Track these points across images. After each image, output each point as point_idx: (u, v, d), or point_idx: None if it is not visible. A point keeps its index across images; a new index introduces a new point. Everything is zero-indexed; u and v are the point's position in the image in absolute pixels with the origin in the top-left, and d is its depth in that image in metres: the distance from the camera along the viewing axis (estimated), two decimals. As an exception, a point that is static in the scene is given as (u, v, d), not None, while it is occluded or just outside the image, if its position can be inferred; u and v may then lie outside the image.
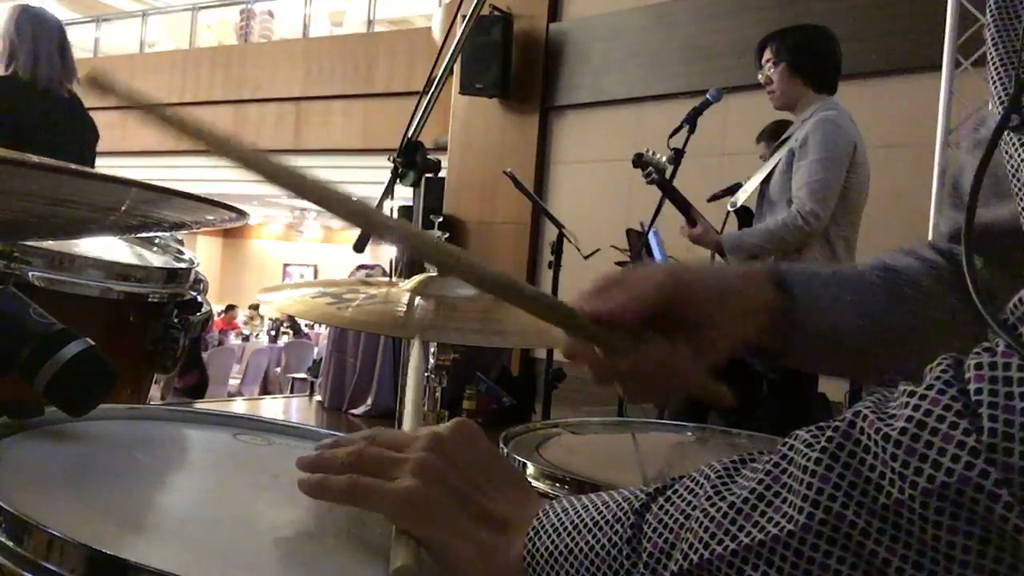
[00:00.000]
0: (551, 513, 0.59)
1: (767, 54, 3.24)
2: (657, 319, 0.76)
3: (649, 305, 0.76)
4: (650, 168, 3.35)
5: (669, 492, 0.55)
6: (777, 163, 3.21)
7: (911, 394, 0.47)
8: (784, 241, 3.06)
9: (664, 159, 3.40)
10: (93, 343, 0.76)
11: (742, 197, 3.41)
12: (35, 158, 0.60)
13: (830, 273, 0.84)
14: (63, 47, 3.30)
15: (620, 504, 0.57)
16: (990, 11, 0.60)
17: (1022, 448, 0.42)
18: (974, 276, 0.52)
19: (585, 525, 0.57)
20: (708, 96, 3.57)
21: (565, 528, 0.57)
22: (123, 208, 0.73)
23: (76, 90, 3.33)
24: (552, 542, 0.57)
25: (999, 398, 0.44)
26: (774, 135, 3.65)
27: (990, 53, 0.59)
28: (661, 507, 0.55)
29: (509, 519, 0.61)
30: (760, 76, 3.26)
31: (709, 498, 0.52)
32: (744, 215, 3.57)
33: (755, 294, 0.80)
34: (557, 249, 4.63)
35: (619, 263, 4.27)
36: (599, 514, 0.57)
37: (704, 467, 0.55)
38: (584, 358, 0.78)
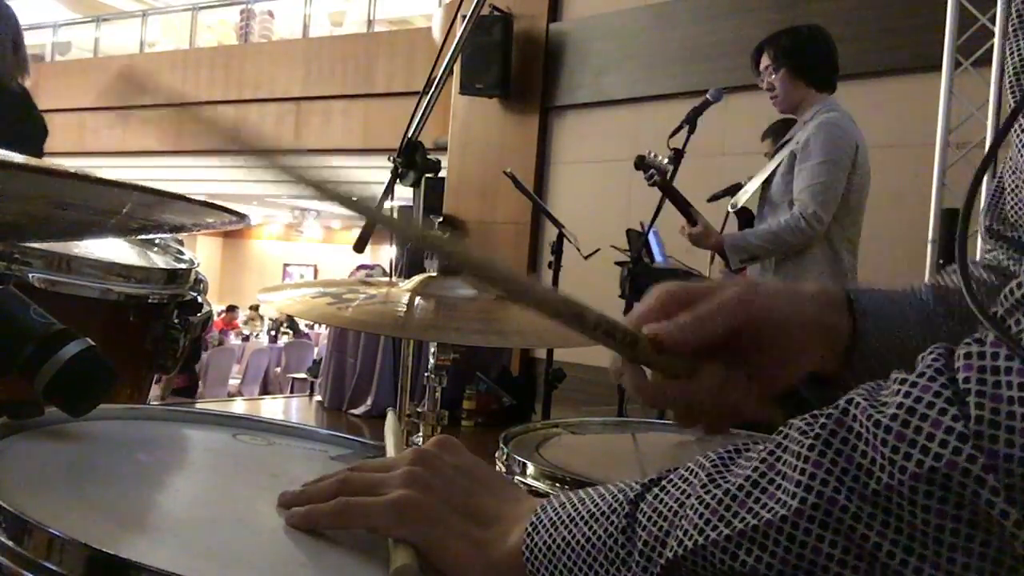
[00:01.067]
0: (548, 508, 0.60)
1: (764, 60, 3.24)
2: (722, 346, 0.72)
3: (716, 331, 0.71)
4: (652, 170, 3.35)
5: (664, 482, 0.56)
6: (778, 164, 3.21)
7: (902, 381, 0.48)
8: (786, 243, 3.06)
9: (666, 161, 3.40)
10: (93, 343, 0.76)
11: (743, 198, 3.41)
12: (37, 162, 0.60)
13: (892, 292, 0.79)
14: (17, 41, 3.29)
15: (615, 496, 0.57)
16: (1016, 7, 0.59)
17: (1008, 436, 0.43)
18: (965, 269, 0.53)
19: (581, 517, 0.57)
20: (708, 96, 3.57)
21: (562, 521, 0.58)
22: (124, 211, 0.74)
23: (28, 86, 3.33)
24: (550, 536, 0.58)
25: (987, 387, 0.45)
26: (779, 133, 3.65)
27: (1013, 46, 0.59)
28: (656, 496, 0.55)
29: (501, 514, 0.62)
30: (762, 84, 3.26)
31: (704, 485, 0.53)
32: (744, 216, 3.57)
33: (829, 319, 0.75)
34: (557, 249, 4.63)
35: (619, 263, 4.27)
36: (595, 506, 0.57)
37: (699, 457, 0.56)
38: (634, 383, 0.74)
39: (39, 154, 3.31)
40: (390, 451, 0.81)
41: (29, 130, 3.32)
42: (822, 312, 0.75)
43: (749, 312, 0.72)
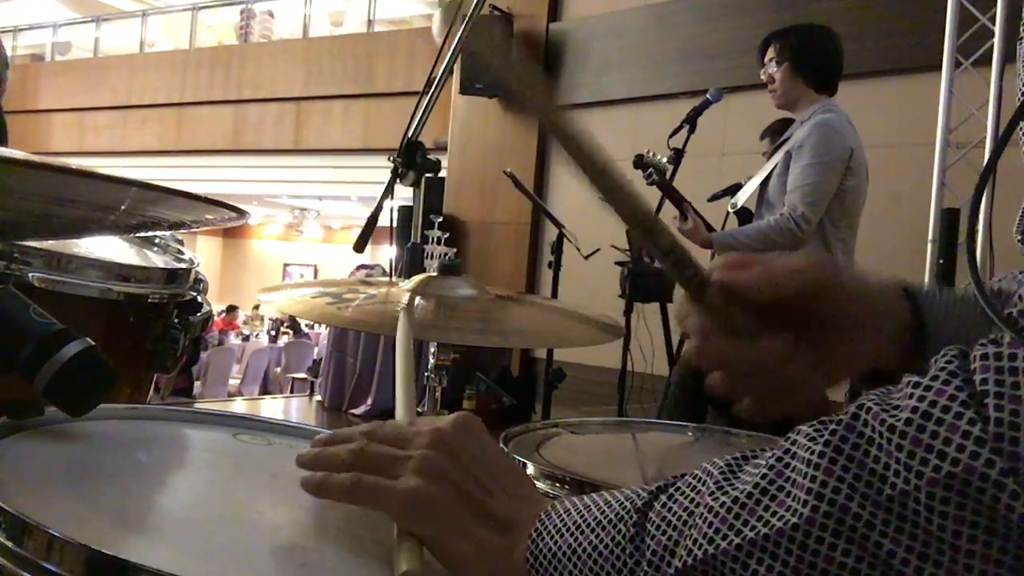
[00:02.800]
0: (553, 514, 0.59)
1: (770, 52, 3.24)
2: (791, 312, 0.69)
3: (788, 290, 0.68)
4: (650, 169, 3.35)
5: (672, 490, 0.55)
6: (776, 165, 3.22)
7: (916, 385, 0.47)
8: (774, 243, 3.06)
9: (664, 160, 3.40)
10: (93, 343, 0.76)
11: (742, 198, 3.41)
12: (36, 158, 0.60)
13: (949, 292, 0.75)
14: None
15: (622, 503, 0.57)
16: None
17: None
18: (976, 272, 0.53)
19: (588, 525, 0.57)
20: (708, 96, 3.57)
21: (568, 529, 0.57)
22: (123, 208, 0.73)
23: None
24: (555, 543, 0.57)
25: (1005, 388, 0.44)
26: (778, 132, 3.65)
27: None
28: (664, 505, 0.54)
29: (513, 519, 0.61)
30: (762, 74, 3.26)
31: (712, 494, 0.52)
32: (744, 216, 3.57)
33: (895, 309, 0.72)
34: (557, 249, 4.63)
35: (619, 263, 4.27)
36: (601, 514, 0.57)
37: (706, 464, 0.55)
38: (699, 327, 0.70)
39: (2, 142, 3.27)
40: (400, 412, 0.77)
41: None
42: (887, 300, 0.73)
43: (820, 274, 0.70)
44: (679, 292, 0.70)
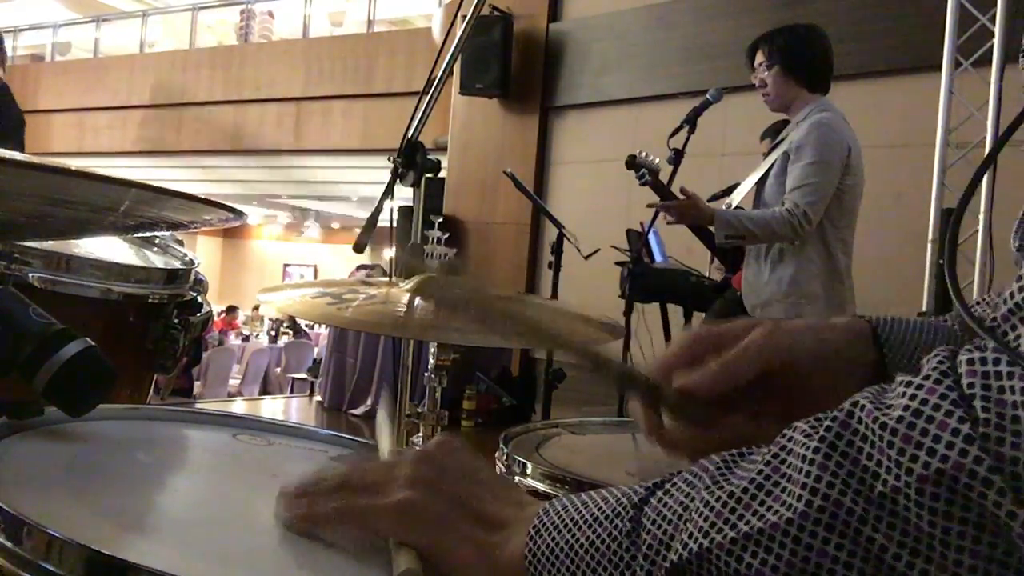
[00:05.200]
0: (551, 511, 0.59)
1: (759, 57, 3.24)
2: (750, 393, 0.71)
3: (745, 376, 0.70)
4: (643, 170, 3.34)
5: (667, 485, 0.56)
6: (772, 165, 3.22)
7: (908, 384, 0.48)
8: (775, 233, 3.06)
9: (656, 160, 3.40)
10: (92, 343, 0.76)
11: (737, 198, 3.42)
12: (33, 159, 0.60)
13: (918, 322, 0.77)
14: None
15: (619, 499, 0.57)
16: None
17: (1013, 438, 0.43)
18: (955, 279, 0.53)
19: (585, 521, 0.57)
20: (708, 96, 3.57)
21: (565, 525, 0.58)
22: (122, 208, 0.73)
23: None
24: (553, 539, 0.57)
25: (991, 392, 0.45)
26: (778, 132, 3.66)
27: None
28: (660, 500, 0.55)
29: (504, 518, 0.61)
30: (754, 79, 3.26)
31: (708, 488, 0.53)
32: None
33: (858, 354, 0.73)
34: (557, 249, 4.64)
35: (619, 263, 4.27)
36: (598, 510, 0.57)
37: (703, 460, 0.56)
38: (651, 428, 0.73)
39: (20, 147, 3.27)
40: (384, 446, 0.81)
41: (5, 124, 3.27)
42: (849, 346, 0.74)
43: (776, 354, 0.71)
44: (633, 399, 0.72)
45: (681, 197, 3.21)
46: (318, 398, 6.55)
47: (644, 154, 3.38)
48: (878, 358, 0.74)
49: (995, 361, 0.45)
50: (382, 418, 0.86)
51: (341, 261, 16.12)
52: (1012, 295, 0.48)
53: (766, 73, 3.19)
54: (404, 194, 2.05)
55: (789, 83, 3.18)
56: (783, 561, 0.48)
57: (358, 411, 5.95)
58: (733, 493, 0.51)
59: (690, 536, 0.52)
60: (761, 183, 3.27)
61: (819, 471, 0.48)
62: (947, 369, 0.47)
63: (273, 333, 13.68)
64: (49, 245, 1.22)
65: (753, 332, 0.72)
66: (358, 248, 2.07)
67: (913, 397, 0.47)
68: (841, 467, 0.48)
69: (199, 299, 1.46)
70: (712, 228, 3.20)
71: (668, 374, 0.72)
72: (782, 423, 0.69)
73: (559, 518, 0.58)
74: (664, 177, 3.43)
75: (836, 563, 0.47)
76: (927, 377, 0.47)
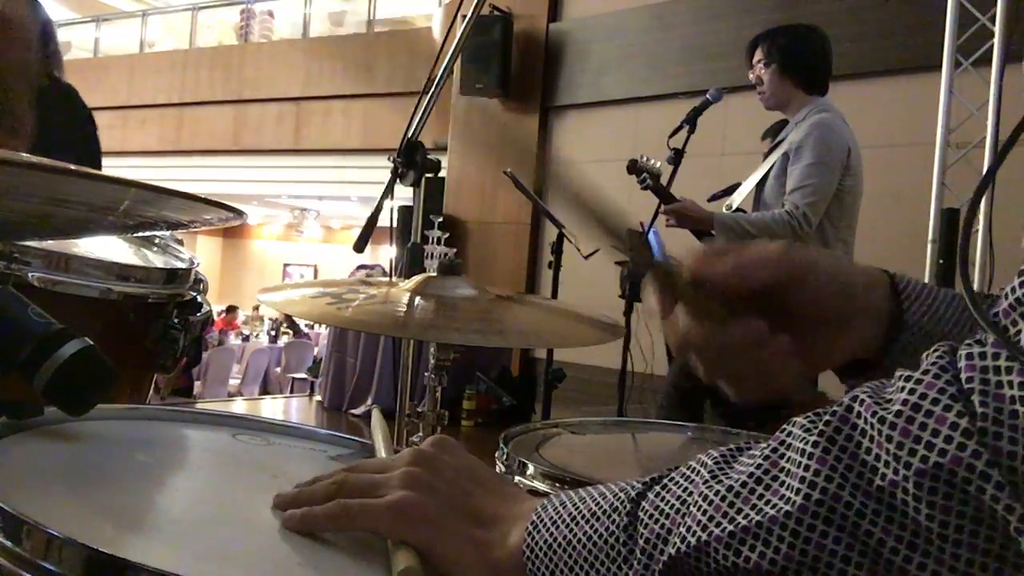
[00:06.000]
0: (549, 507, 0.59)
1: (758, 54, 3.24)
2: (762, 302, 0.69)
3: (756, 282, 0.68)
4: (644, 174, 3.35)
5: (665, 480, 0.56)
6: (771, 166, 3.22)
7: (907, 378, 0.48)
8: (775, 236, 3.06)
9: (658, 164, 3.41)
10: (92, 343, 0.76)
11: (737, 200, 3.42)
12: (32, 158, 0.60)
13: (942, 292, 0.75)
14: (47, 36, 3.09)
15: (617, 494, 0.57)
16: None
17: (1011, 433, 0.43)
18: (966, 273, 0.53)
19: (583, 516, 0.57)
20: (708, 96, 3.57)
21: (563, 520, 0.58)
22: (121, 208, 0.73)
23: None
24: (551, 534, 0.58)
25: (989, 387, 0.45)
26: (778, 132, 3.66)
27: None
28: (657, 494, 0.55)
29: (501, 515, 0.62)
30: (751, 76, 3.27)
31: (707, 483, 0.53)
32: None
33: (876, 297, 0.71)
34: (557, 249, 4.63)
35: (619, 263, 4.27)
36: (596, 505, 0.57)
37: (701, 456, 0.56)
38: (664, 313, 0.71)
39: (96, 153, 3.11)
40: (379, 449, 0.81)
41: (74, 132, 3.10)
42: (866, 288, 0.72)
43: (793, 266, 0.69)
44: (650, 285, 0.71)
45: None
46: (318, 398, 6.54)
47: (645, 158, 3.39)
48: (894, 308, 0.72)
49: (995, 356, 0.45)
50: (377, 418, 0.87)
51: (341, 261, 16.10)
52: (1014, 289, 0.48)
53: (763, 70, 3.20)
54: (404, 194, 2.05)
55: (785, 83, 3.18)
56: (781, 554, 0.48)
57: (358, 411, 5.94)
58: (731, 487, 0.51)
59: (688, 530, 0.52)
60: (761, 184, 3.27)
61: (818, 465, 0.48)
62: (946, 364, 0.47)
63: (273, 333, 13.67)
64: (49, 245, 1.22)
65: (772, 244, 0.71)
66: (358, 248, 2.08)
67: (912, 392, 0.47)
68: (840, 461, 0.48)
69: (199, 299, 1.46)
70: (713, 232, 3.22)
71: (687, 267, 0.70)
72: (793, 339, 0.68)
73: (557, 514, 0.58)
74: (664, 177, 3.43)
75: (834, 556, 0.47)
76: (926, 372, 0.47)
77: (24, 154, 0.60)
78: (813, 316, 0.70)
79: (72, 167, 0.60)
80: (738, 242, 0.72)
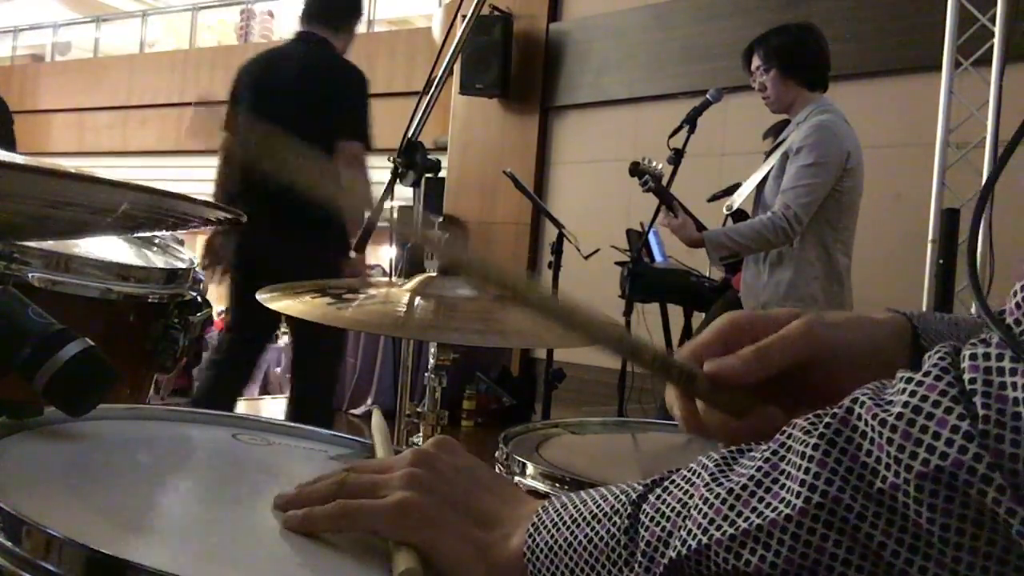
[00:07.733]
0: (550, 509, 0.59)
1: (755, 61, 3.24)
2: (784, 385, 0.67)
3: (779, 366, 0.67)
4: (647, 176, 3.35)
5: (666, 483, 0.56)
6: (772, 167, 3.22)
7: (908, 380, 0.48)
8: (766, 240, 3.07)
9: (660, 166, 3.41)
10: (92, 343, 0.76)
11: (738, 200, 3.42)
12: (31, 161, 0.60)
13: (957, 317, 0.74)
14: None
15: (618, 497, 0.57)
16: None
17: (1014, 435, 0.43)
18: (975, 272, 0.53)
19: (584, 518, 0.57)
20: (708, 96, 3.57)
21: (564, 522, 0.58)
22: (120, 210, 0.73)
23: None
24: (552, 536, 0.58)
25: (992, 388, 0.44)
26: (780, 132, 3.66)
27: None
28: (659, 497, 0.55)
29: (502, 516, 0.62)
30: (754, 84, 3.27)
31: (707, 485, 0.53)
32: (740, 218, 3.57)
33: (899, 350, 0.69)
34: (557, 249, 4.63)
35: (619, 263, 4.27)
36: (597, 507, 0.57)
37: (702, 458, 0.56)
38: (686, 417, 0.70)
39: (9, 138, 3.26)
40: (379, 450, 0.81)
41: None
42: (890, 345, 0.70)
43: (813, 345, 0.67)
44: (668, 386, 0.69)
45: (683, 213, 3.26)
46: (318, 398, 6.53)
47: (648, 161, 3.39)
48: (914, 355, 0.70)
49: (999, 357, 0.45)
50: (377, 418, 0.87)
51: (341, 261, 16.04)
52: (1022, 287, 0.48)
53: (764, 76, 3.20)
54: (404, 194, 2.05)
55: (788, 84, 3.18)
56: (782, 558, 0.48)
57: (358, 411, 5.94)
58: (732, 490, 0.51)
59: (689, 533, 0.52)
60: (761, 184, 3.27)
61: (818, 468, 0.48)
62: (948, 365, 0.47)
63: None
64: (49, 245, 1.22)
65: (793, 323, 0.68)
66: (358, 248, 2.07)
67: (913, 394, 0.46)
68: (840, 464, 0.48)
69: (199, 299, 1.46)
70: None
71: (702, 359, 0.68)
72: (809, 408, 0.67)
73: (557, 516, 0.58)
74: (664, 177, 3.44)
75: (835, 560, 0.47)
76: (927, 373, 0.47)
77: (21, 157, 0.60)
78: (835, 393, 0.70)
79: (70, 170, 0.60)
80: (754, 314, 0.70)
